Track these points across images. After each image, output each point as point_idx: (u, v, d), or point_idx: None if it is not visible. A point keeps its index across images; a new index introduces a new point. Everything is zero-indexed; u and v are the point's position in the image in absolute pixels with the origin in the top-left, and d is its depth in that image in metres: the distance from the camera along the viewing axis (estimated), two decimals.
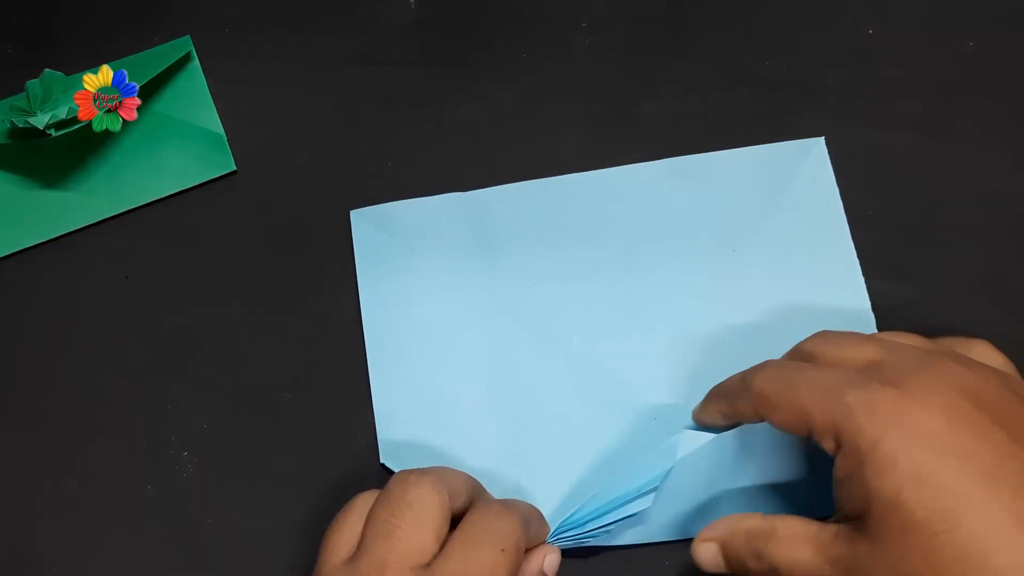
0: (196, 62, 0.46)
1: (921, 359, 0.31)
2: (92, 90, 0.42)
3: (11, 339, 0.43)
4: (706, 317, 0.40)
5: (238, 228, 0.44)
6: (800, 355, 0.35)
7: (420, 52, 0.46)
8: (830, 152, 0.42)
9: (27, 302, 0.43)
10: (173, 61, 0.45)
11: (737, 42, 0.45)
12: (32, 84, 0.42)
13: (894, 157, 0.43)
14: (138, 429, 0.41)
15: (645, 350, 0.40)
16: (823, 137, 0.42)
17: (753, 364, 0.35)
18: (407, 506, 0.32)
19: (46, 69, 0.42)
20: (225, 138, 0.45)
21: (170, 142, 0.45)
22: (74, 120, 0.41)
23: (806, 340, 0.35)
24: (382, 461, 0.40)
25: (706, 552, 0.33)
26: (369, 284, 0.42)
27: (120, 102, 0.42)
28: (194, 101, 0.45)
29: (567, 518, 0.36)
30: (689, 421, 0.39)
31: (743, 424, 0.36)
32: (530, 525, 0.35)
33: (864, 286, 0.40)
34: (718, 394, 0.37)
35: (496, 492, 0.38)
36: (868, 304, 0.40)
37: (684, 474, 0.36)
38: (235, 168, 0.44)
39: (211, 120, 0.45)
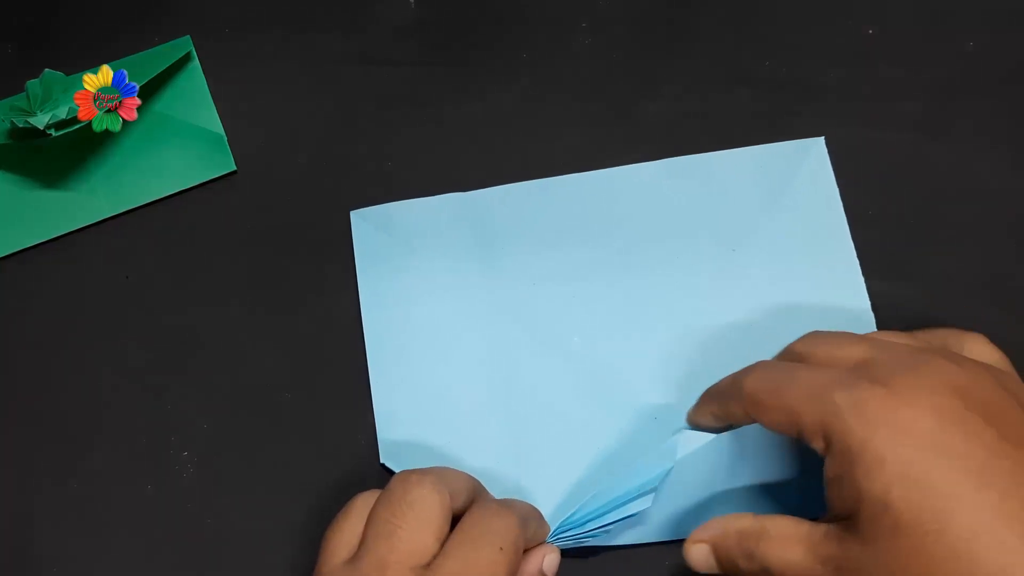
0: (196, 62, 0.46)
1: (911, 357, 0.31)
2: (92, 90, 0.42)
3: (11, 339, 0.43)
4: (706, 317, 0.40)
5: (238, 228, 0.44)
6: (791, 356, 0.35)
7: (420, 52, 0.46)
8: (830, 152, 0.42)
9: (27, 302, 0.43)
10: (173, 61, 0.45)
11: (737, 42, 0.45)
12: (32, 84, 0.42)
13: (894, 157, 0.43)
14: (138, 429, 0.41)
15: (645, 350, 0.40)
16: (823, 137, 0.42)
17: (751, 364, 0.35)
18: (408, 506, 0.32)
19: (46, 69, 0.42)
20: (225, 138, 0.45)
21: (170, 142, 0.45)
22: (74, 120, 0.41)
23: (797, 341, 0.35)
24: (382, 461, 0.40)
25: (698, 553, 0.33)
26: (369, 284, 0.42)
27: (120, 102, 0.42)
28: (194, 101, 0.45)
29: (567, 518, 0.36)
30: None
31: (738, 425, 0.36)
32: (528, 524, 0.35)
33: (864, 286, 0.40)
34: (711, 396, 0.37)
35: (496, 492, 0.38)
36: (868, 304, 0.40)
37: (683, 474, 0.36)
38: (235, 168, 0.44)
39: (211, 120, 0.45)
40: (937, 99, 0.43)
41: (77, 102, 0.41)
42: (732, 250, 0.41)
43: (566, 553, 0.37)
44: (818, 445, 0.30)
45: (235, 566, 0.39)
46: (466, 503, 0.34)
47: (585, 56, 0.45)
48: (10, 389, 0.42)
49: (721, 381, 0.36)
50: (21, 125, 0.41)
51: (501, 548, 0.32)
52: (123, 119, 0.42)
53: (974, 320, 0.35)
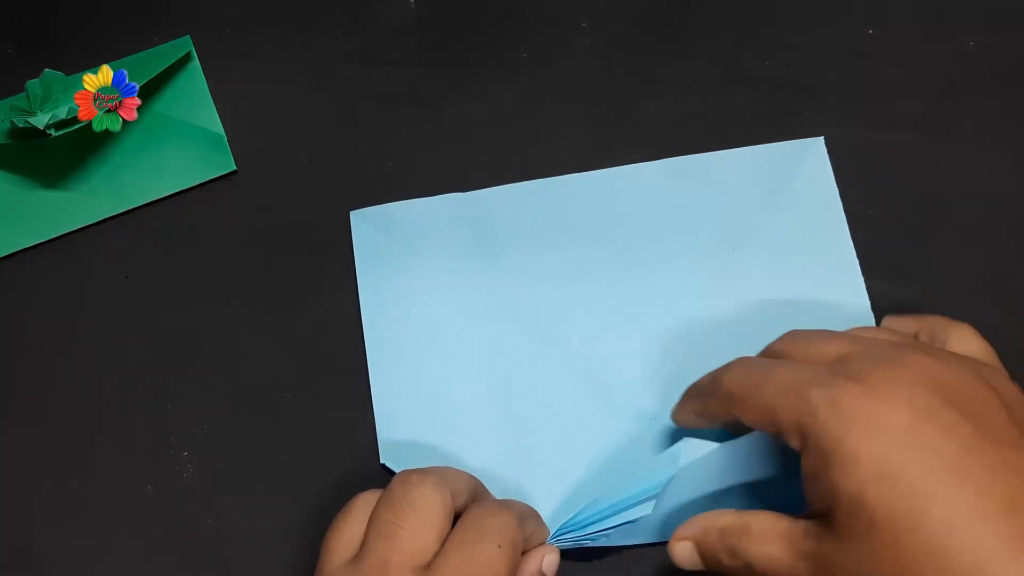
0: (196, 62, 0.46)
1: (887, 353, 0.31)
2: (92, 90, 0.42)
3: (11, 339, 0.43)
4: (705, 317, 0.40)
5: (238, 228, 0.44)
6: (772, 354, 0.35)
7: (420, 52, 0.46)
8: (830, 152, 0.42)
9: (27, 302, 0.43)
10: (173, 61, 0.45)
11: (737, 42, 0.45)
12: (32, 84, 0.42)
13: (894, 157, 0.43)
14: (138, 429, 0.41)
15: (645, 350, 0.40)
16: (822, 137, 0.42)
17: (731, 361, 0.35)
18: (410, 507, 0.32)
19: (46, 69, 0.42)
20: (225, 138, 0.45)
21: (170, 142, 0.45)
22: (74, 120, 0.41)
23: (777, 339, 0.35)
24: (382, 461, 0.40)
25: (682, 551, 0.33)
26: (369, 284, 0.42)
27: (120, 102, 0.42)
28: (194, 101, 0.45)
29: (567, 520, 0.36)
30: None
31: (718, 423, 0.36)
32: (526, 523, 0.35)
33: (864, 286, 0.40)
34: (692, 394, 0.37)
35: (496, 492, 0.38)
36: (868, 304, 0.40)
37: (686, 479, 0.36)
38: (235, 168, 0.44)
39: (211, 120, 0.45)
40: (937, 99, 0.43)
41: (77, 102, 0.41)
42: (732, 250, 0.41)
43: (566, 554, 0.37)
44: (795, 443, 0.30)
45: (235, 566, 0.39)
46: (467, 502, 0.34)
47: (585, 56, 0.45)
48: (10, 389, 0.42)
49: (702, 379, 0.36)
50: (21, 125, 0.41)
51: (499, 545, 0.32)
52: (123, 119, 0.42)
53: (974, 320, 0.35)
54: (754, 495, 0.37)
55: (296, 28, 0.46)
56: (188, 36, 0.46)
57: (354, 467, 0.40)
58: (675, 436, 0.39)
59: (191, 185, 0.44)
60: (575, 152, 0.43)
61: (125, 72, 0.42)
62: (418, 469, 0.34)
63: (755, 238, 0.42)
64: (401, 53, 0.46)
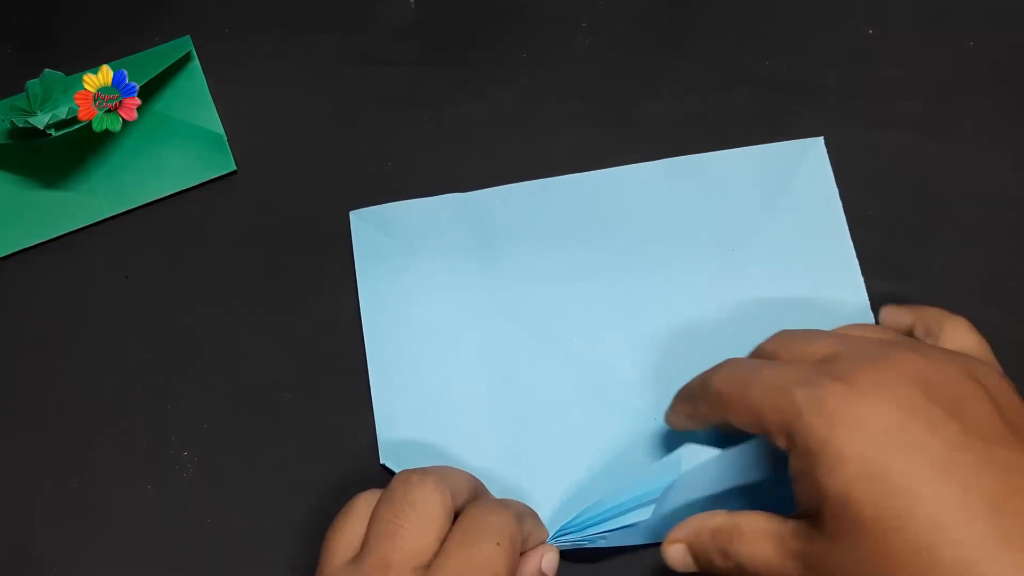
0: (196, 62, 0.46)
1: (874, 352, 0.31)
2: (92, 90, 0.42)
3: (11, 339, 0.43)
4: (705, 317, 0.40)
5: (238, 228, 0.44)
6: (761, 355, 0.35)
7: (420, 52, 0.46)
8: (829, 152, 0.42)
9: (27, 302, 0.43)
10: (173, 61, 0.45)
11: (737, 42, 0.45)
12: (32, 84, 0.42)
13: (894, 157, 0.43)
14: (138, 429, 0.41)
15: (645, 350, 0.40)
16: (822, 137, 0.42)
17: (720, 362, 0.35)
18: (410, 506, 0.32)
19: (46, 69, 0.42)
20: (225, 138, 0.45)
21: (170, 142, 0.45)
22: (74, 120, 0.41)
23: (767, 340, 0.35)
24: (382, 461, 0.40)
25: (675, 553, 0.34)
26: (369, 284, 0.42)
27: (120, 102, 0.42)
28: (194, 101, 0.45)
29: (567, 522, 0.36)
30: None
31: (710, 425, 0.35)
32: (524, 521, 0.35)
33: (863, 286, 0.41)
34: (682, 396, 0.36)
35: (496, 492, 0.38)
36: (867, 304, 0.40)
37: (686, 484, 0.36)
38: (235, 168, 0.44)
39: (211, 120, 0.45)
40: (937, 99, 0.43)
41: (77, 102, 0.41)
42: (732, 250, 0.41)
43: (565, 554, 0.37)
44: (782, 443, 0.30)
45: (235, 566, 0.39)
46: (467, 502, 0.34)
47: (585, 56, 0.45)
48: (10, 389, 0.42)
49: (692, 381, 0.36)
50: (21, 125, 0.41)
51: (498, 543, 0.32)
52: (123, 119, 0.42)
53: (973, 320, 0.35)
54: (753, 497, 0.37)
55: (296, 28, 0.46)
56: (188, 36, 0.46)
57: (354, 467, 0.40)
58: (674, 436, 0.39)
59: (191, 185, 0.44)
60: (575, 152, 0.43)
61: (125, 72, 0.42)
62: (418, 469, 0.34)
63: (755, 238, 0.42)
64: (401, 53, 0.46)
